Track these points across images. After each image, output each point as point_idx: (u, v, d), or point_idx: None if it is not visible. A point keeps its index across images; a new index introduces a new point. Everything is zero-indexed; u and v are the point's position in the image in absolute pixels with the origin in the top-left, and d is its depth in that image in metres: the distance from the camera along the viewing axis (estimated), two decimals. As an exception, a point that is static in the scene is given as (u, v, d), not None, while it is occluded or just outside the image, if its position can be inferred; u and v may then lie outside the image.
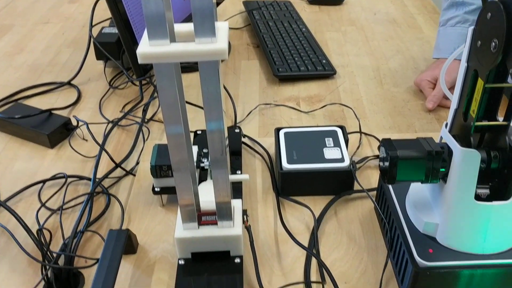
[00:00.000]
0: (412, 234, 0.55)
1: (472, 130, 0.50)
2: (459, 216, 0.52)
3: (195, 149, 0.69)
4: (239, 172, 0.70)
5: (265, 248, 0.62)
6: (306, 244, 0.63)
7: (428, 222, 0.54)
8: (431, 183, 0.53)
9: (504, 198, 0.51)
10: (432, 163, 0.51)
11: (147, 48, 0.42)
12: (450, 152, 0.51)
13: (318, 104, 0.91)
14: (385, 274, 0.58)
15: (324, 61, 1.00)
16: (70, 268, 0.59)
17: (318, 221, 0.65)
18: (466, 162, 0.49)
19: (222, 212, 0.55)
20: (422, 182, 0.53)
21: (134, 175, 0.74)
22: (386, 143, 0.54)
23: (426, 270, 0.52)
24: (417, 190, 0.59)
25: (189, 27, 0.45)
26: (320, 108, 0.89)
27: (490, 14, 0.46)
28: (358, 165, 0.74)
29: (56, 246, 0.63)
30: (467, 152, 0.49)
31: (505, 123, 0.51)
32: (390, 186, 0.62)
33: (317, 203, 0.68)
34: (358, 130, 0.82)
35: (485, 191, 0.52)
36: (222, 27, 0.45)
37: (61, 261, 0.59)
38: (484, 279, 0.52)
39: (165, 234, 0.65)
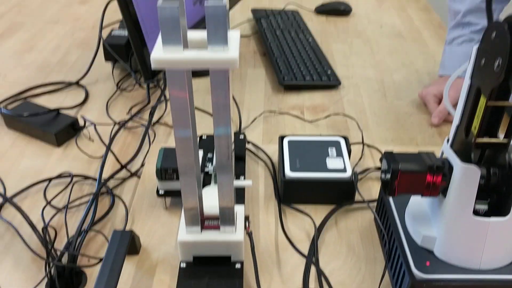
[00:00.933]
0: (410, 247, 0.56)
1: (473, 146, 0.51)
2: (457, 231, 0.53)
3: (200, 153, 0.70)
4: (243, 177, 0.71)
5: (266, 254, 0.63)
6: (306, 252, 0.64)
7: (426, 235, 0.55)
8: (431, 196, 0.54)
9: (502, 214, 0.52)
10: (432, 177, 0.52)
11: (161, 54, 0.43)
12: (450, 167, 0.52)
13: (322, 114, 0.92)
14: (382, 285, 0.59)
15: (329, 71, 1.02)
16: (73, 267, 0.60)
17: (319, 230, 0.66)
18: (466, 178, 0.50)
19: (225, 217, 0.57)
20: (422, 196, 0.54)
21: (139, 177, 0.76)
22: (388, 156, 0.55)
23: (423, 283, 0.53)
24: (417, 203, 0.60)
25: (202, 34, 0.47)
26: (324, 118, 0.90)
27: (495, 33, 0.47)
28: (359, 176, 0.75)
29: (60, 244, 0.64)
30: (467, 168, 0.50)
31: (505, 141, 0.52)
32: (390, 198, 0.63)
33: (318, 212, 0.69)
34: (361, 141, 0.83)
35: (483, 207, 0.53)
36: (233, 36, 0.46)
37: (64, 260, 0.60)
38: (479, 293, 0.53)
39: (167, 237, 0.66)
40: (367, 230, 0.67)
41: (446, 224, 0.53)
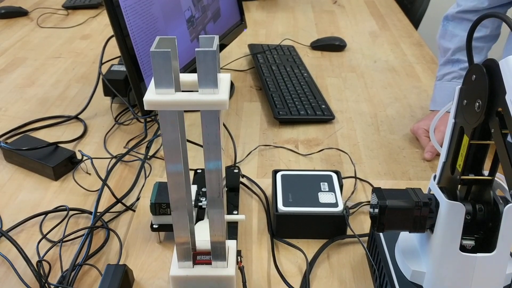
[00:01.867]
0: (400, 282, 0.57)
1: (458, 183, 0.53)
2: (445, 266, 0.54)
3: (194, 188, 0.71)
4: (236, 212, 0.72)
5: (258, 288, 0.64)
6: (297, 287, 0.64)
7: (415, 270, 0.56)
8: (419, 232, 0.55)
9: (489, 250, 0.53)
10: (420, 213, 0.53)
11: (154, 96, 0.45)
12: (437, 204, 0.54)
13: (316, 148, 0.93)
14: (374, 320, 0.59)
15: (323, 106, 1.04)
16: (66, 301, 0.61)
17: (311, 264, 0.67)
18: (451, 214, 0.51)
19: (217, 252, 0.57)
20: (410, 232, 0.55)
21: (134, 210, 0.77)
22: (377, 192, 0.56)
23: (413, 319, 0.53)
24: (406, 238, 0.61)
25: (193, 77, 0.49)
26: (318, 152, 0.92)
27: (474, 76, 0.49)
28: (351, 210, 0.76)
29: (54, 278, 0.65)
30: (453, 204, 0.51)
31: (490, 177, 0.53)
32: (380, 233, 0.64)
33: (311, 246, 0.70)
34: (354, 175, 0.85)
35: (470, 243, 0.54)
36: (224, 78, 0.48)
37: (58, 293, 0.61)
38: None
39: (160, 271, 0.66)
40: (359, 265, 0.68)
41: (434, 259, 0.54)
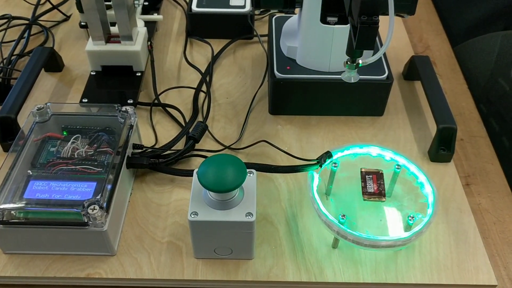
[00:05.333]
0: (278, 56, 0.68)
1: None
2: (309, 38, 0.64)
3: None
4: (156, 14, 0.82)
5: (168, 73, 0.75)
6: (203, 71, 0.75)
7: (290, 46, 0.67)
8: (290, 9, 0.64)
9: (346, 23, 0.62)
10: (289, -8, 0.62)
11: None
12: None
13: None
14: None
15: None
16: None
17: (217, 56, 0.78)
18: (312, -12, 0.60)
19: (124, 34, 0.68)
20: (282, 9, 0.64)
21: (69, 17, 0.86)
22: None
23: (281, 81, 0.65)
24: (291, 23, 0.71)
25: None
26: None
27: None
28: (261, 16, 0.85)
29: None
30: (312, -21, 0.60)
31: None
32: (273, 24, 0.73)
33: (221, 43, 0.80)
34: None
35: (334, 19, 0.64)
36: None
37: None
38: (328, 88, 0.65)
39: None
40: (260, 58, 0.78)
41: (302, 33, 0.64)
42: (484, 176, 0.63)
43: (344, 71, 0.54)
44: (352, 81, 0.54)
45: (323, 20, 0.62)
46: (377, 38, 0.71)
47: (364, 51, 0.52)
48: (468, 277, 0.51)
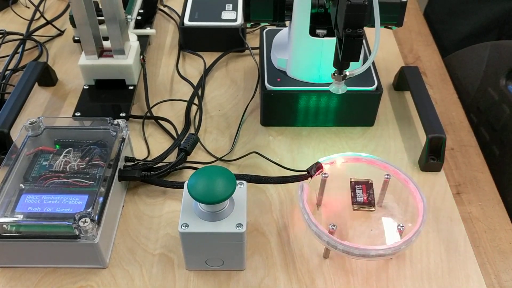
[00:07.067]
0: (269, 69, 0.68)
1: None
2: (299, 50, 0.65)
3: None
4: (149, 28, 0.83)
5: (161, 86, 0.76)
6: (195, 84, 0.76)
7: (280, 58, 0.68)
8: (279, 22, 0.65)
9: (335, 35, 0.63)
10: (278, 4, 0.63)
11: None
12: (293, -4, 0.63)
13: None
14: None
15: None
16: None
17: (209, 68, 0.79)
18: (301, 4, 0.61)
19: (116, 49, 0.69)
20: (272, 22, 0.65)
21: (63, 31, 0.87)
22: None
23: (271, 92, 0.65)
24: (281, 36, 0.71)
25: None
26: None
27: None
28: (252, 29, 0.86)
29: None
30: (301, -6, 0.61)
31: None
32: (264, 37, 0.74)
33: (213, 56, 0.81)
34: None
35: (323, 32, 0.65)
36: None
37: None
38: (318, 100, 0.66)
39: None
40: (251, 70, 0.79)
41: (291, 45, 0.65)
42: (474, 184, 0.63)
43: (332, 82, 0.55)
44: (340, 92, 0.55)
45: (313, 33, 0.63)
46: (366, 50, 0.72)
47: (352, 63, 0.53)
48: (458, 285, 0.51)
